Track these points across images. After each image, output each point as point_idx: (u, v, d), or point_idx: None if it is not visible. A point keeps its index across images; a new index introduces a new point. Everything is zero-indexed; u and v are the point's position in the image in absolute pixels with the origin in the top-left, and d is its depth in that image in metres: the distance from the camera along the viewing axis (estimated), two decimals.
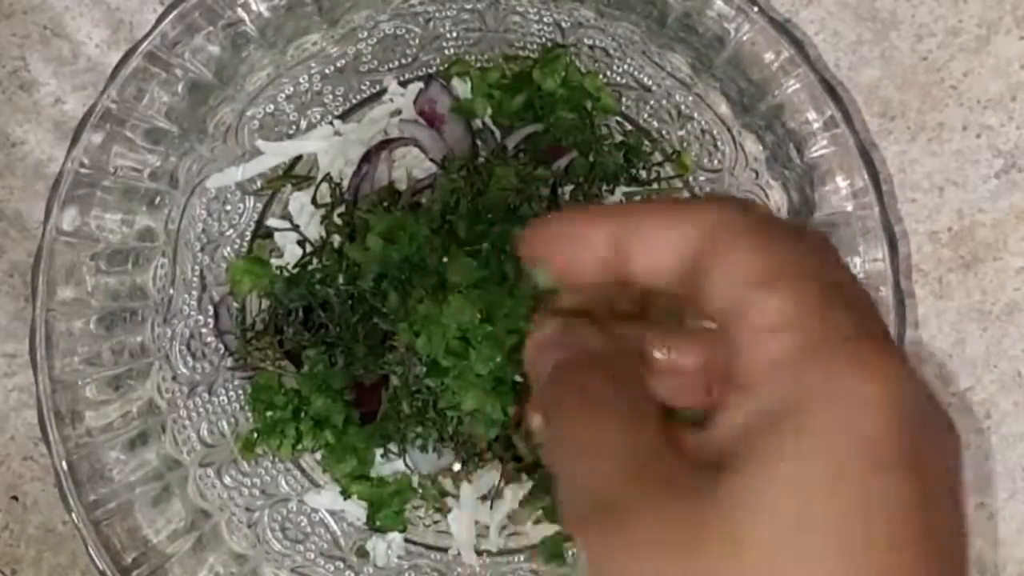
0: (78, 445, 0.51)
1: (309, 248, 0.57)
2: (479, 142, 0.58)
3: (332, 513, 0.59)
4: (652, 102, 0.59)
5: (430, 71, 0.60)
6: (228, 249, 0.60)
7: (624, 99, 0.60)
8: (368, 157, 0.57)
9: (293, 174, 0.60)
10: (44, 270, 0.51)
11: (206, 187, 0.58)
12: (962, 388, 0.65)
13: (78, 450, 0.51)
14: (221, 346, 0.59)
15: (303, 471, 0.60)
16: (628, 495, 0.24)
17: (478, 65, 0.60)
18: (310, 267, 0.57)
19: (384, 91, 0.60)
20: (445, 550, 0.60)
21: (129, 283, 0.55)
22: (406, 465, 0.57)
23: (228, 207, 0.59)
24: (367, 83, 0.61)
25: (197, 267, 0.58)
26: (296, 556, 0.58)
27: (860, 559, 0.22)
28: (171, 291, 0.57)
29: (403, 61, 0.60)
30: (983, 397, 0.65)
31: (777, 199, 0.56)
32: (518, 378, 0.52)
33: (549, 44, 0.59)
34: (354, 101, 0.61)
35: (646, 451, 0.25)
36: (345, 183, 0.58)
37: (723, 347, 0.26)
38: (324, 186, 0.58)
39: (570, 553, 0.59)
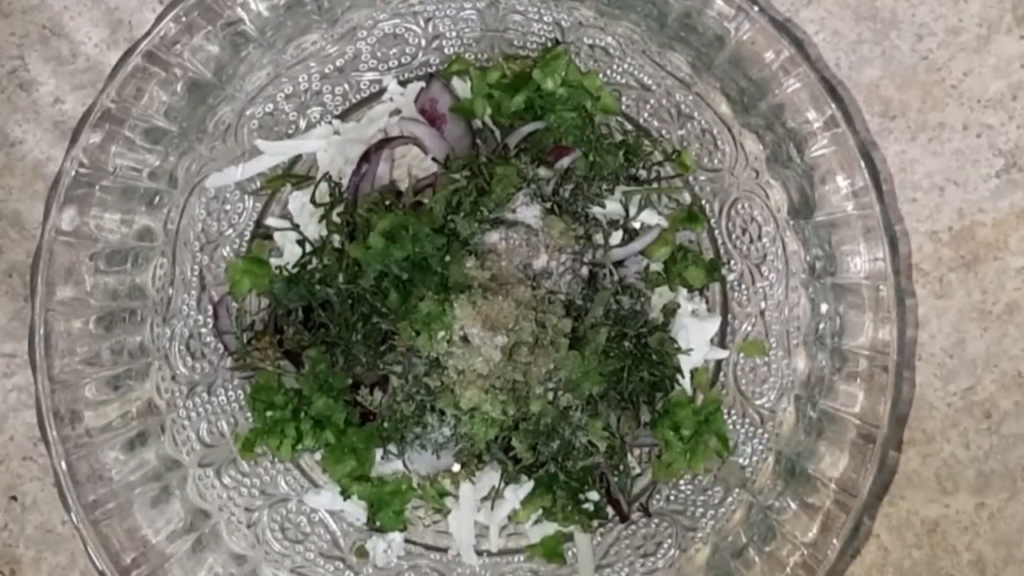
0: (77, 445, 0.51)
1: (309, 248, 0.57)
2: (479, 142, 0.58)
3: (332, 513, 0.59)
4: (652, 101, 0.59)
5: (430, 70, 0.60)
6: (227, 249, 0.59)
7: (624, 98, 0.60)
8: (367, 156, 0.57)
9: (292, 173, 0.60)
10: (43, 270, 0.51)
11: (205, 187, 0.58)
12: (962, 388, 0.65)
13: (77, 450, 0.51)
14: (220, 346, 0.59)
15: (303, 471, 0.60)
16: None
17: (478, 65, 0.60)
18: (310, 267, 0.56)
19: (384, 90, 0.60)
20: (445, 550, 0.60)
21: (128, 283, 0.55)
22: (405, 466, 0.57)
23: (227, 207, 0.59)
24: (367, 82, 0.61)
25: (196, 267, 0.58)
26: (296, 556, 0.58)
27: None
28: (170, 291, 0.57)
29: (403, 60, 0.60)
30: (983, 397, 0.65)
31: (777, 198, 0.56)
32: (518, 378, 0.52)
33: (549, 44, 0.59)
34: (354, 100, 0.61)
35: None
36: (345, 182, 0.58)
37: None
38: (323, 185, 0.58)
39: (570, 553, 0.59)
